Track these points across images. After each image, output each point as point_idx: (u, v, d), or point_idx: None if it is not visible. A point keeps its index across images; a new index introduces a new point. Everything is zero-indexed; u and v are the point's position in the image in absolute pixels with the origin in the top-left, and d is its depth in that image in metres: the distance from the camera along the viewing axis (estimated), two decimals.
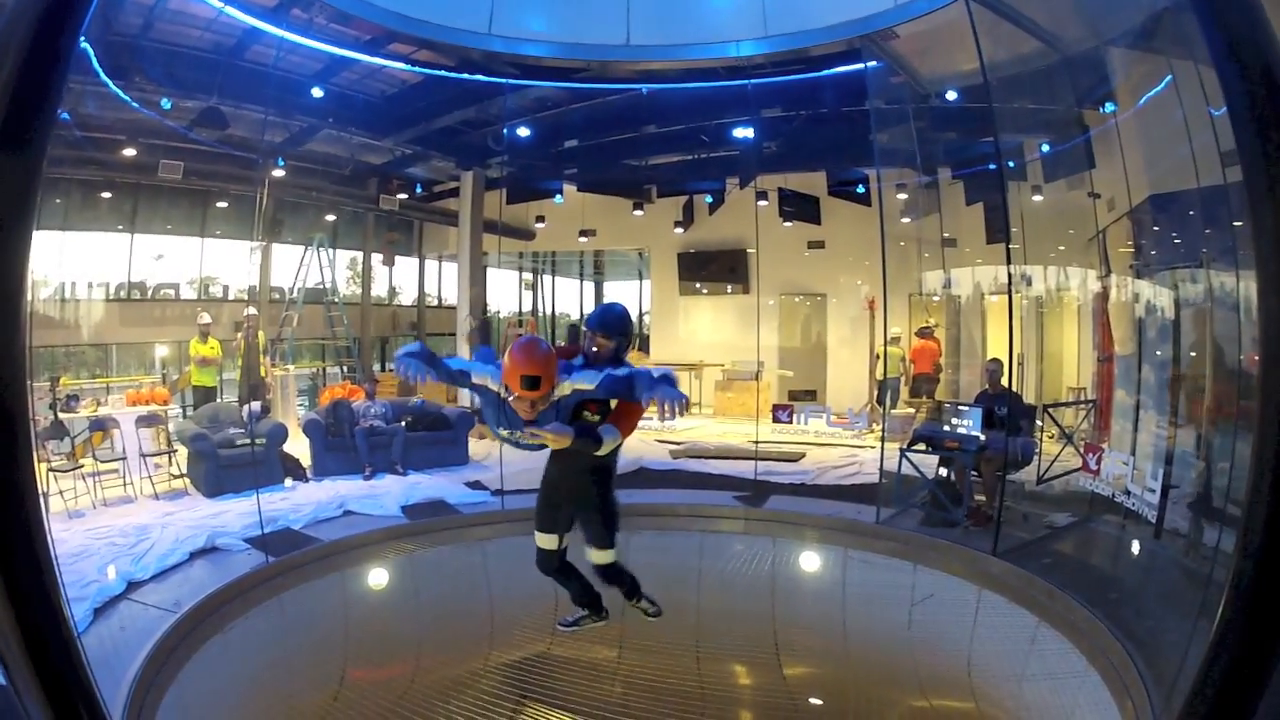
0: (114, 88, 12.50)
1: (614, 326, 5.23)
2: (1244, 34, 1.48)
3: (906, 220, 16.10)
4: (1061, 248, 14.24)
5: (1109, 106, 11.45)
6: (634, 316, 27.13)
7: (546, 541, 5.60)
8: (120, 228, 16.90)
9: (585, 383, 4.69)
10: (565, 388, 4.71)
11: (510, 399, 4.66)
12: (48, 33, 1.51)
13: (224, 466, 11.66)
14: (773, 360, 19.68)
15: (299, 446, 13.18)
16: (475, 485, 12.33)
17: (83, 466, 11.36)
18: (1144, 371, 10.88)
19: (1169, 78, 9.03)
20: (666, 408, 4.37)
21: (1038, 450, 10.92)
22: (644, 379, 4.56)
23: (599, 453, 5.00)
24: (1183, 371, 9.90)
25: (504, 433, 4.97)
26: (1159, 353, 10.62)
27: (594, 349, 5.18)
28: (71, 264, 15.58)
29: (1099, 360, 12.58)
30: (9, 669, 1.58)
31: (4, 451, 1.52)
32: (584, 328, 5.45)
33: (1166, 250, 10.86)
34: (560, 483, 5.50)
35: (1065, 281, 14.43)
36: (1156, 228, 10.96)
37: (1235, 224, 7.54)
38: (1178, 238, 10.50)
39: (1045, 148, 13.47)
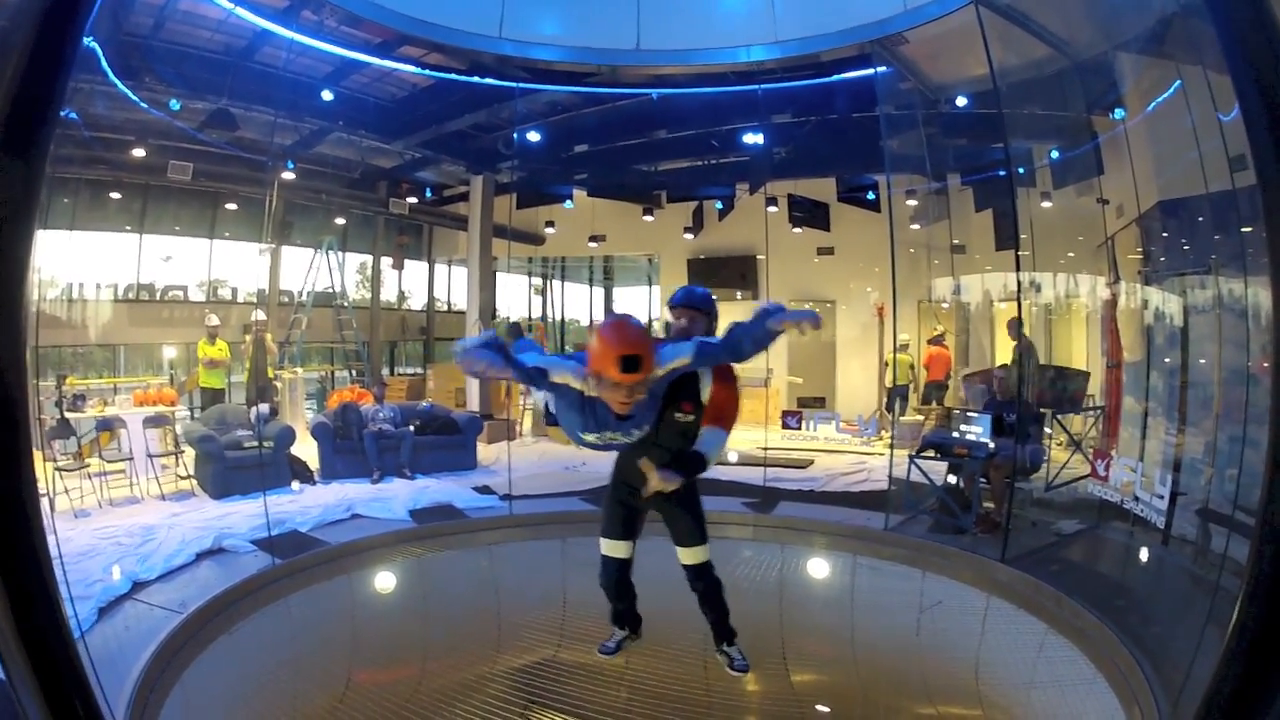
0: (123, 88, 12.52)
1: (700, 300, 4.90)
2: (1258, 40, 1.47)
3: (916, 226, 16.07)
4: (1071, 254, 14.23)
5: (1119, 113, 11.44)
6: (645, 323, 27.24)
7: (617, 550, 5.04)
8: (128, 228, 16.95)
9: (680, 357, 4.10)
10: (659, 369, 4.06)
11: (602, 390, 3.96)
12: (50, 36, 1.50)
13: (231, 468, 11.69)
14: (782, 367, 19.64)
15: (307, 449, 13.22)
16: (483, 490, 12.35)
17: (89, 466, 11.36)
18: (1152, 378, 10.86)
19: (1178, 83, 9.01)
20: (804, 325, 3.89)
21: (1046, 457, 10.91)
22: (756, 322, 4.03)
23: (708, 467, 4.64)
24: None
25: (590, 437, 4.31)
26: (1167, 359, 10.60)
27: (679, 330, 4.79)
28: (80, 264, 15.61)
29: (1107, 367, 12.56)
30: (6, 666, 1.57)
31: (5, 455, 1.51)
32: (667, 305, 5.02)
33: (1175, 256, 10.84)
34: (638, 482, 4.74)
35: (1074, 288, 14.41)
36: (1165, 234, 10.94)
37: (1244, 230, 7.51)
38: (1186, 244, 10.49)
39: (1055, 154, 13.47)
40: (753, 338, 4.05)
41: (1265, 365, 7.05)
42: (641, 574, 5.35)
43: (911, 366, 16.98)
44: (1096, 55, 11.29)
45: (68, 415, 12.11)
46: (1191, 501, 8.50)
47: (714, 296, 5.09)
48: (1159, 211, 10.61)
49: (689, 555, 5.05)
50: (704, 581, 5.16)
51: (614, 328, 3.94)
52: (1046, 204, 13.57)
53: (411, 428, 13.73)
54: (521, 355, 4.19)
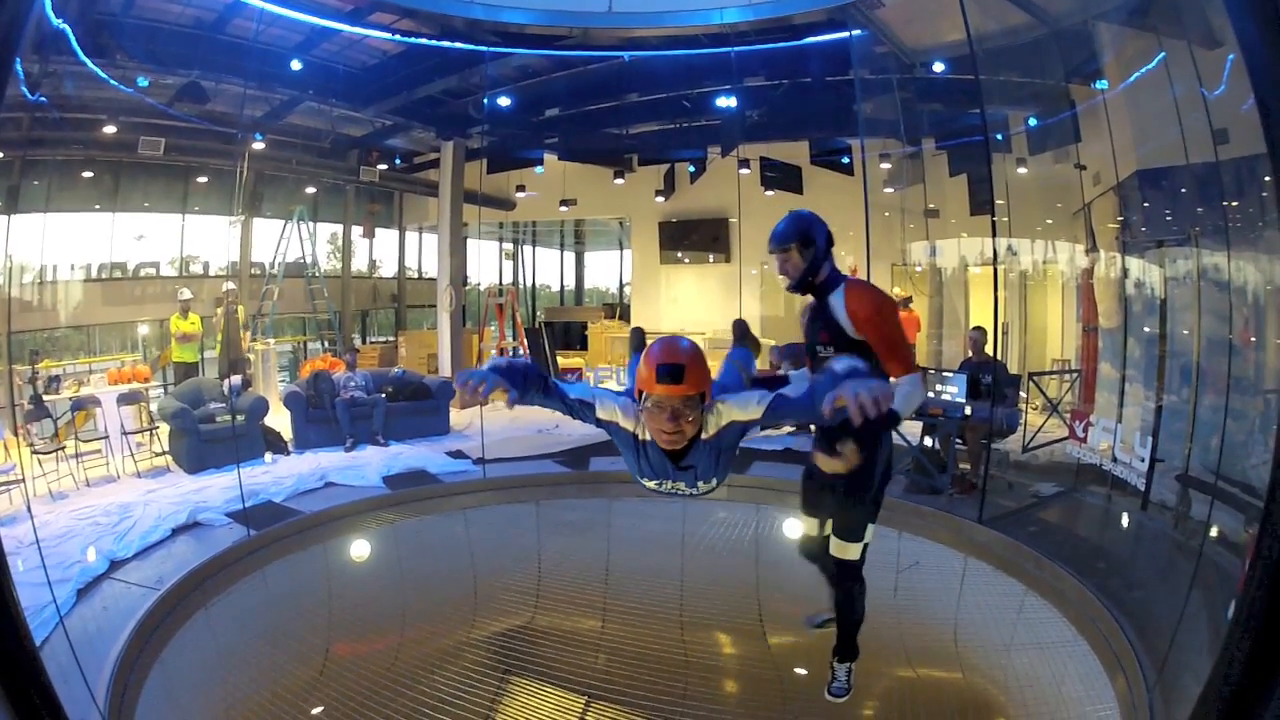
0: (93, 66, 12.36)
1: (796, 231, 4.29)
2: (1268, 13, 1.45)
3: (890, 190, 16.04)
4: (1049, 221, 14.25)
5: (1101, 83, 11.42)
6: (617, 283, 27.04)
7: (805, 525, 4.77)
8: (99, 206, 16.74)
9: (748, 408, 3.38)
10: (722, 414, 3.40)
11: (649, 421, 3.37)
12: None
13: (205, 442, 11.62)
14: (755, 329, 19.60)
15: (280, 420, 13.17)
16: (457, 454, 12.42)
17: (65, 448, 11.28)
18: (1130, 345, 10.90)
19: (1162, 55, 9.00)
20: (862, 402, 2.75)
21: (1022, 420, 10.94)
22: (828, 385, 3.07)
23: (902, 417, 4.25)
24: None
25: (650, 484, 3.69)
26: (1146, 327, 10.63)
27: (784, 265, 4.24)
28: (53, 246, 15.44)
29: (1084, 331, 12.61)
30: None
31: None
32: (770, 250, 4.33)
33: (1154, 226, 10.86)
34: (816, 464, 4.45)
35: (1052, 255, 14.44)
36: (1146, 203, 10.95)
37: (1226, 202, 7.50)
38: (1168, 213, 10.50)
39: (1032, 120, 13.45)
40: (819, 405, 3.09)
41: (1251, 339, 7.09)
42: (611, 533, 5.12)
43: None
44: (1076, 24, 11.26)
45: (44, 398, 12.03)
46: (1170, 468, 8.54)
47: (817, 219, 4.46)
48: (1137, 180, 10.62)
49: (835, 548, 4.47)
50: (840, 583, 4.65)
51: (660, 342, 3.36)
52: (1022, 170, 13.56)
53: (384, 394, 13.73)
54: (564, 386, 3.51)
